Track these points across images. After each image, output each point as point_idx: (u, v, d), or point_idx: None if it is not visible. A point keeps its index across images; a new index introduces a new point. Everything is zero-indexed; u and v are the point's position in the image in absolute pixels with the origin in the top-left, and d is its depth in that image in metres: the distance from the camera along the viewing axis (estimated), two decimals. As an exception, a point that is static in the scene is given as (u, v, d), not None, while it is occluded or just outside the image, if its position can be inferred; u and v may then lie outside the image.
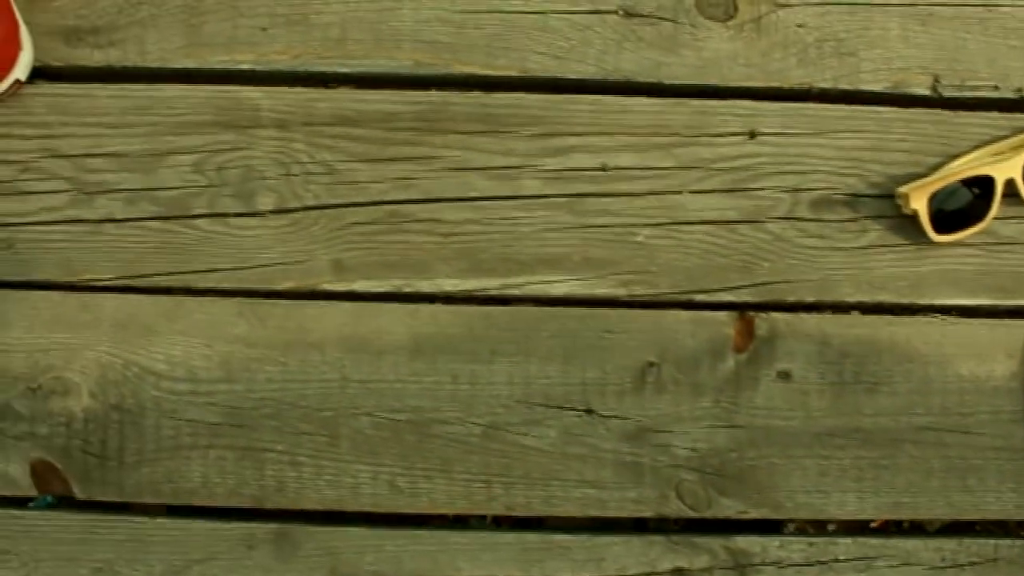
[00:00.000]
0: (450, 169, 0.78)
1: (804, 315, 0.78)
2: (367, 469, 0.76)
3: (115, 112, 0.79)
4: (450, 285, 0.76)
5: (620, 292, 0.77)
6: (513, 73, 0.79)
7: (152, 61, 0.80)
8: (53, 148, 0.79)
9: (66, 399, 0.76)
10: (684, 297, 0.78)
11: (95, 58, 0.80)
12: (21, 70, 0.79)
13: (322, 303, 0.77)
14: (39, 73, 0.81)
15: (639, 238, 0.77)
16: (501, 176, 0.78)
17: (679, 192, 0.78)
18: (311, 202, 0.77)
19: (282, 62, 0.79)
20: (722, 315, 0.78)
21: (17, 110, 0.80)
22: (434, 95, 0.79)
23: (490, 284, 0.76)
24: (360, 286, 0.76)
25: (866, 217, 0.78)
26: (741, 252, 0.77)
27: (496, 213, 0.77)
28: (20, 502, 0.76)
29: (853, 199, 0.78)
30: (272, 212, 0.77)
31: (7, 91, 0.78)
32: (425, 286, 0.76)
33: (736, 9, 0.79)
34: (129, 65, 0.80)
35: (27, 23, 0.80)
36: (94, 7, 0.81)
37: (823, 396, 0.78)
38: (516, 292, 0.77)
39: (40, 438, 0.76)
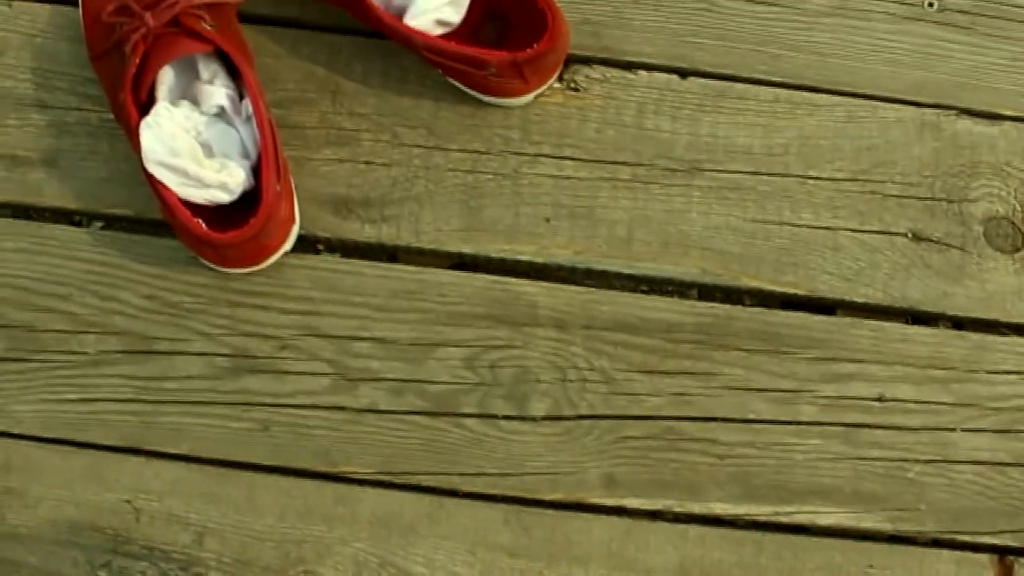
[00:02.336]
0: (729, 388, 0.75)
1: (1063, 564, 0.76)
2: None
3: (383, 294, 0.75)
4: (721, 508, 0.74)
5: (886, 527, 0.75)
6: (800, 291, 0.76)
7: (427, 242, 0.75)
8: (315, 327, 0.74)
9: (316, 595, 0.72)
10: (948, 536, 0.76)
11: (365, 233, 0.76)
12: (290, 242, 0.73)
13: (589, 516, 0.74)
14: (303, 242, 0.75)
15: (910, 474, 0.75)
16: (779, 399, 0.75)
17: (953, 430, 0.76)
18: (586, 411, 0.74)
19: (563, 257, 0.75)
20: (983, 558, 0.76)
21: (278, 281, 0.75)
22: (718, 308, 0.76)
23: (760, 511, 0.74)
24: (630, 503, 0.74)
25: None
26: (1008, 496, 0.76)
27: (771, 438, 0.74)
28: None
29: (1121, 449, 0.76)
30: (545, 418, 0.73)
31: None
32: (696, 508, 0.74)
33: (1024, 243, 0.76)
34: (401, 244, 0.75)
35: (294, 187, 0.73)
36: (367, 176, 0.76)
37: (1074, 646, 0.76)
38: (785, 520, 0.75)
39: (287, 634, 0.72)
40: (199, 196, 0.72)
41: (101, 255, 0.78)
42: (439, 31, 0.75)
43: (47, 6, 0.81)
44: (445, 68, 0.75)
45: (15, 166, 0.79)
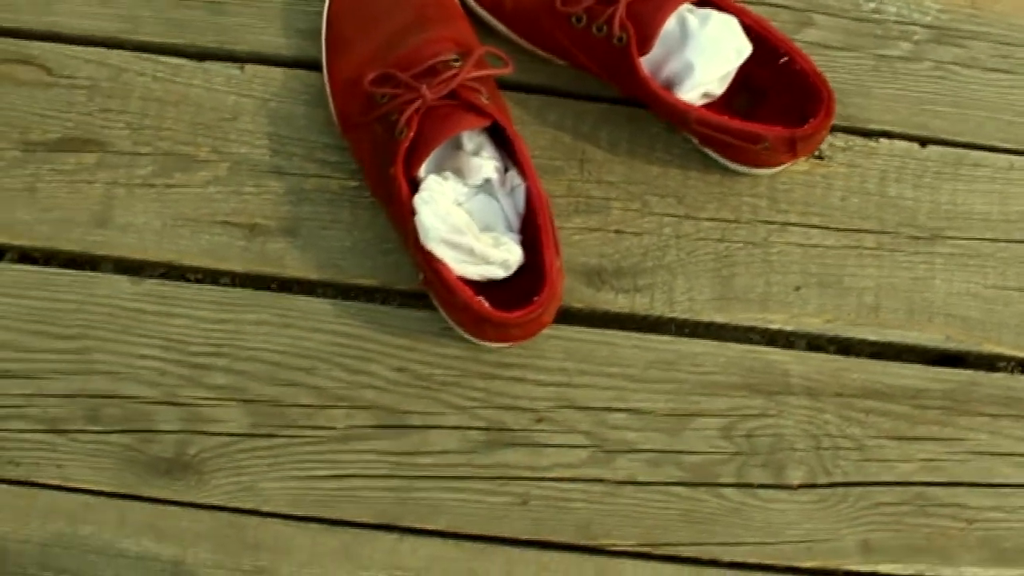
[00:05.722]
0: (976, 453, 0.77)
1: None
2: None
3: (638, 364, 0.75)
4: (971, 573, 0.77)
5: (1123, 587, 0.77)
6: (1040, 356, 0.77)
7: (680, 312, 0.76)
8: (571, 399, 0.74)
9: (580, 670, 0.72)
10: None
11: (619, 303, 0.76)
12: (552, 314, 0.74)
13: None
14: (557, 314, 0.74)
15: None
16: None
17: None
18: (840, 478, 0.75)
19: (814, 325, 0.76)
20: None
21: (532, 353, 0.75)
22: (963, 374, 0.78)
23: (1011, 574, 0.74)
24: (885, 568, 0.76)
25: None
26: None
27: (1018, 501, 0.78)
28: None
29: None
30: (801, 486, 0.73)
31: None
32: (948, 572, 0.77)
33: None
34: (655, 314, 0.74)
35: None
36: (619, 246, 0.76)
37: None
38: (1031, 582, 0.76)
39: None
40: (474, 272, 0.71)
41: (347, 327, 0.77)
42: (701, 103, 0.75)
43: (280, 70, 0.80)
44: (707, 139, 0.75)
45: (254, 235, 0.77)
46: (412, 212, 0.72)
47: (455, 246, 0.71)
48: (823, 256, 0.81)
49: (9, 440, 0.78)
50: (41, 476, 0.78)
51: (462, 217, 0.72)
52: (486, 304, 0.71)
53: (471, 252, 0.71)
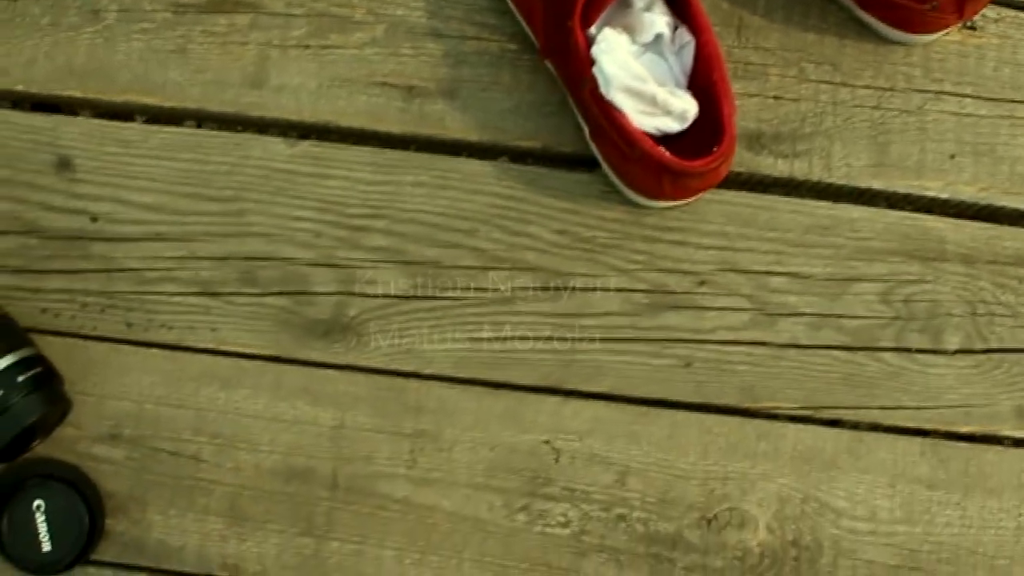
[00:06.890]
0: None
1: None
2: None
3: (797, 229, 0.75)
4: None
5: None
6: None
7: (838, 178, 0.76)
8: (732, 262, 0.75)
9: (742, 532, 0.72)
10: None
11: (778, 168, 0.75)
12: (712, 176, 0.73)
13: (1001, 448, 0.75)
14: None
15: None
16: None
17: None
18: (995, 344, 0.76)
19: (968, 193, 0.77)
20: None
21: (693, 216, 0.76)
22: None
23: None
24: None
25: None
26: None
27: None
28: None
29: None
30: (958, 351, 0.74)
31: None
32: None
33: None
34: (813, 179, 0.74)
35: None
36: (777, 111, 0.76)
37: None
38: None
39: (712, 571, 0.72)
40: (650, 125, 0.71)
41: (507, 189, 0.77)
42: (866, -36, 0.75)
43: (436, -68, 0.79)
44: (871, 0, 0.75)
45: (412, 97, 0.77)
46: (590, 64, 0.72)
47: (637, 94, 0.71)
48: (976, 125, 0.82)
49: (162, 303, 0.77)
50: (195, 340, 0.77)
51: (639, 69, 0.72)
52: (667, 153, 0.71)
53: (653, 101, 0.71)
